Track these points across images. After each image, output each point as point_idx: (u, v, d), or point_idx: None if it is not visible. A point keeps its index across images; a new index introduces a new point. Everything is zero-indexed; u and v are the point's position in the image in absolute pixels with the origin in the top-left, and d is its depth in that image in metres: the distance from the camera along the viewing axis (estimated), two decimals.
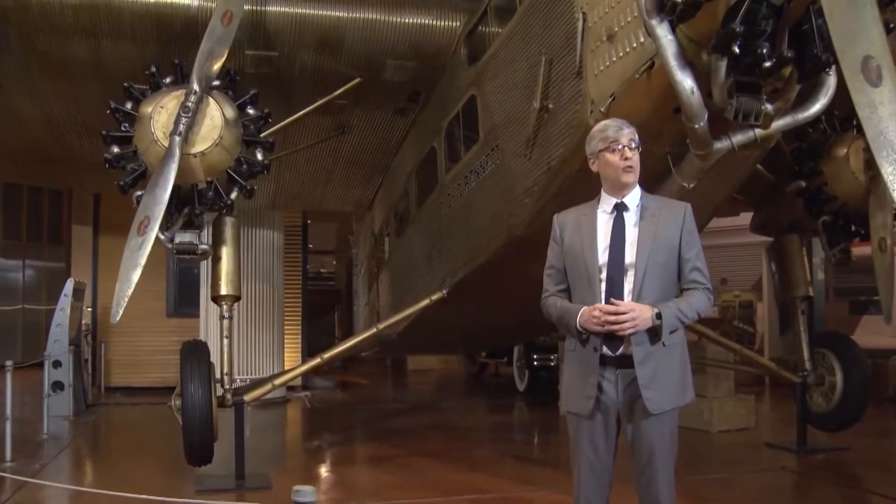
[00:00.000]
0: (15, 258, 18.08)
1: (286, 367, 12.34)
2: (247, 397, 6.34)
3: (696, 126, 4.21)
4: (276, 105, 6.93)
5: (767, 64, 3.81)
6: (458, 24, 6.98)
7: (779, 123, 4.41)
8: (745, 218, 9.08)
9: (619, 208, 3.31)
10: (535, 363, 12.21)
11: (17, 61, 6.89)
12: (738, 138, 4.46)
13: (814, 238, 8.32)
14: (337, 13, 6.75)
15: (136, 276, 5.29)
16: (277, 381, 6.58)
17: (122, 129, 5.85)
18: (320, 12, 6.72)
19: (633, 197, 3.33)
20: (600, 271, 3.23)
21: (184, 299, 13.48)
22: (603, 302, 3.17)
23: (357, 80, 7.18)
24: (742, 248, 16.38)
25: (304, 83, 7.22)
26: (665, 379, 3.21)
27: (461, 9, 7.04)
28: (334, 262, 22.10)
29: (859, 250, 7.79)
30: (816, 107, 4.41)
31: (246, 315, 11.71)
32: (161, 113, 5.66)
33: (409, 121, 8.23)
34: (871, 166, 6.92)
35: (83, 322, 12.58)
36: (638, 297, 3.18)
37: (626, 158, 3.26)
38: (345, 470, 7.38)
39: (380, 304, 10.28)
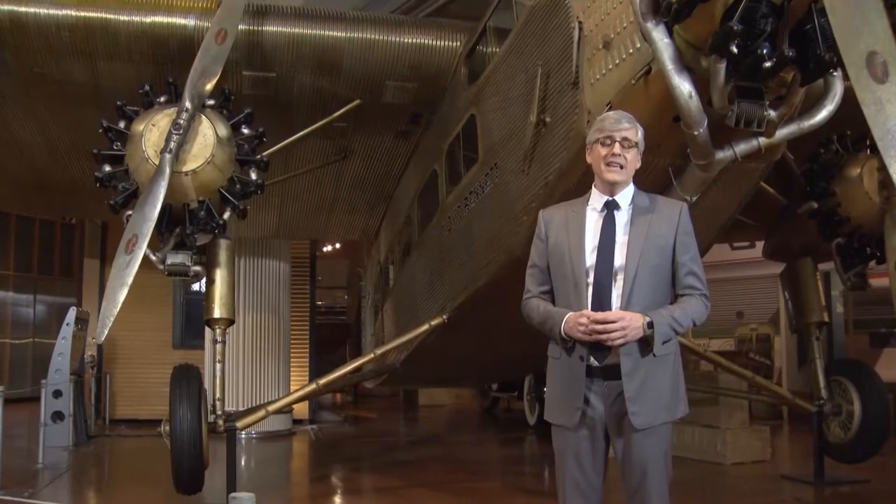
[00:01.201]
0: (26, 292, 18.06)
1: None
2: (239, 424, 6.15)
3: (696, 133, 4.02)
4: (275, 127, 6.88)
5: (767, 64, 3.62)
6: (458, 44, 6.88)
7: (783, 132, 4.22)
8: (761, 250, 8.83)
9: (610, 206, 3.10)
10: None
11: (15, 84, 6.86)
12: (742, 147, 4.27)
13: (831, 270, 8.11)
14: (335, 33, 6.68)
15: (122, 295, 5.14)
16: (271, 408, 6.37)
17: (115, 147, 5.77)
18: (318, 32, 6.65)
19: (626, 195, 3.13)
20: (587, 274, 3.02)
21: (190, 331, 13.36)
22: (589, 307, 2.96)
23: (356, 102, 7.09)
24: (759, 281, 16.10)
25: (303, 105, 7.13)
26: (654, 392, 2.98)
27: (461, 29, 6.96)
28: (346, 297, 22.03)
29: (878, 281, 7.56)
30: (823, 113, 4.23)
31: (251, 346, 11.56)
32: (152, 131, 5.57)
33: (412, 145, 8.12)
34: (885, 186, 6.72)
35: (89, 353, 12.50)
36: (627, 302, 2.96)
37: (614, 154, 3.06)
38: (344, 499, 7.16)
39: (384, 333, 10.08)
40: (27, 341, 17.75)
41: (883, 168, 5.20)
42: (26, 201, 9.82)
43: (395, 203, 9.35)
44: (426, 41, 6.87)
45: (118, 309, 5.13)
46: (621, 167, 3.08)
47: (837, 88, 4.19)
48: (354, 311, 19.54)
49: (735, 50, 3.58)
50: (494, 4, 6.27)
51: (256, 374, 11.65)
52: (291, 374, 12.47)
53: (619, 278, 3.01)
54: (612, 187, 3.11)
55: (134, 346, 12.95)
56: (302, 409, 12.90)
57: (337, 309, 22.55)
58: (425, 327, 6.91)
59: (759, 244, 9.31)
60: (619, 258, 3.03)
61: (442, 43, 6.89)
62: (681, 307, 3.04)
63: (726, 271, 17.78)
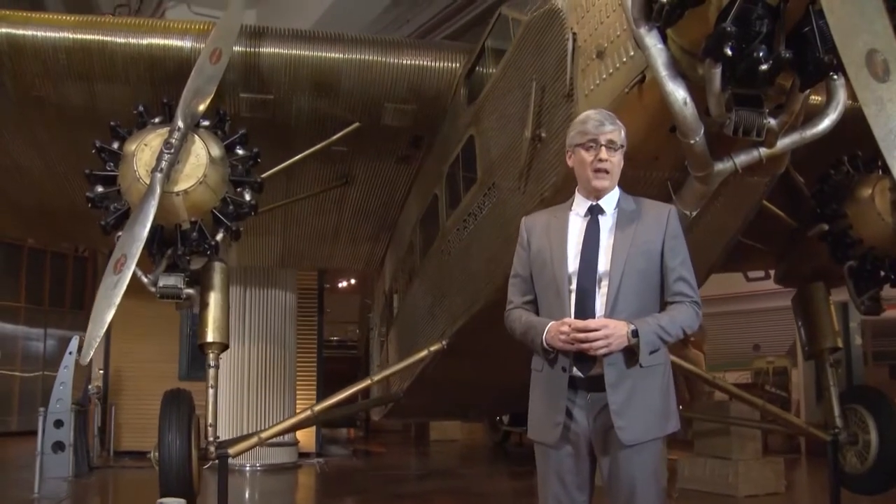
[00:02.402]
0: (37, 325, 18.05)
1: (298, 436, 11.98)
2: (232, 450, 5.99)
3: (692, 142, 3.88)
4: (274, 150, 6.80)
5: (764, 67, 3.48)
6: (457, 65, 6.79)
7: (785, 141, 4.07)
8: (773, 277, 8.59)
9: (594, 211, 2.95)
10: None
11: (13, 108, 6.82)
12: (742, 159, 4.12)
13: (849, 301, 7.88)
14: (332, 55, 6.61)
15: (109, 315, 5.04)
16: (264, 435, 6.22)
17: (107, 168, 5.71)
18: (315, 54, 6.59)
19: (611, 199, 2.98)
20: (570, 281, 2.85)
21: (197, 363, 13.16)
22: (572, 315, 2.79)
23: (356, 125, 7.00)
24: (775, 313, 15.74)
25: (301, 128, 7.06)
26: (642, 405, 2.79)
27: (461, 50, 6.89)
28: (357, 331, 21.94)
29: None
30: (826, 122, 4.08)
31: (256, 377, 11.39)
32: (144, 150, 5.51)
33: (413, 170, 8.01)
34: None
35: (95, 384, 12.41)
36: (612, 310, 2.79)
37: (601, 160, 2.91)
38: None
39: (389, 364, 9.90)
40: (37, 374, 17.69)
41: (887, 171, 5.01)
42: (30, 228, 9.83)
43: (398, 231, 9.24)
44: (425, 62, 6.79)
45: (104, 330, 5.03)
46: (608, 172, 2.93)
47: (840, 96, 4.05)
48: (364, 345, 19.45)
49: (729, 52, 3.45)
50: (492, 23, 6.19)
51: (261, 407, 11.46)
52: (298, 407, 12.29)
53: (604, 284, 2.85)
54: (597, 192, 2.96)
55: (140, 378, 12.82)
56: (308, 442, 12.71)
57: (349, 343, 22.46)
58: (424, 353, 6.74)
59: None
60: (604, 263, 2.87)
61: (441, 64, 6.80)
62: (669, 315, 2.87)
63: (742, 303, 17.49)
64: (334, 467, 12.07)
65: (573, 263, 2.89)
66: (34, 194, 8.16)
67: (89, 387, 12.01)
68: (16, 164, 7.63)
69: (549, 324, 2.82)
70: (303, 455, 12.25)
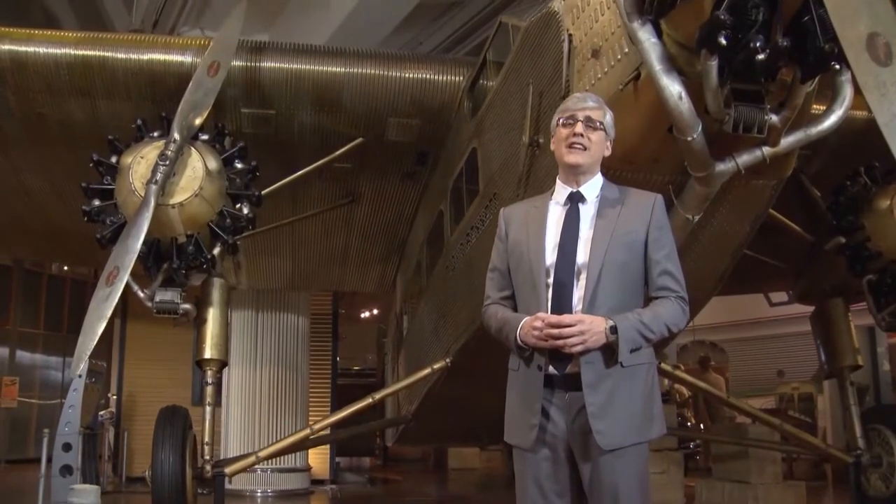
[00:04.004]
0: (55, 352, 18.09)
1: (310, 462, 11.82)
2: (228, 470, 5.84)
3: (690, 139, 3.71)
4: (278, 167, 6.76)
5: (761, 57, 3.33)
6: (461, 78, 6.71)
7: (789, 139, 3.90)
8: (800, 306, 8.29)
9: (574, 198, 2.78)
10: None
11: (18, 126, 6.85)
12: (744, 159, 3.95)
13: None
14: (333, 69, 6.56)
15: (100, 328, 4.96)
16: (262, 454, 6.06)
17: (105, 182, 5.68)
18: (316, 68, 6.54)
19: (592, 185, 2.81)
20: (547, 274, 2.68)
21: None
22: (549, 311, 2.61)
23: (359, 140, 6.92)
24: (800, 338, 15.38)
25: (305, 144, 6.99)
26: (623, 408, 2.59)
27: (464, 63, 6.82)
28: (372, 357, 21.83)
29: None
30: (832, 119, 3.90)
31: (267, 402, 11.24)
32: (140, 163, 5.47)
33: (420, 188, 7.91)
34: None
35: (108, 410, 12.34)
36: (590, 305, 2.61)
37: (576, 134, 2.76)
38: None
39: None
40: (55, 402, 17.68)
41: None
42: (39, 249, 9.82)
43: (407, 252, 9.13)
44: (428, 76, 6.71)
45: (94, 343, 4.94)
46: (584, 148, 2.77)
47: (847, 92, 3.87)
48: (381, 370, 19.31)
49: (724, 42, 3.30)
50: (493, 33, 6.11)
51: (271, 432, 11.28)
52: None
53: (582, 277, 2.67)
54: (576, 177, 2.80)
55: (153, 403, 12.56)
56: (322, 469, 12.54)
57: (367, 371, 22.34)
58: (427, 371, 6.57)
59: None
60: (583, 255, 2.69)
61: (444, 78, 6.72)
62: (652, 311, 2.67)
63: (765, 328, 17.16)
64: (348, 494, 11.88)
65: (551, 256, 2.72)
66: (42, 215, 8.16)
67: (102, 412, 11.95)
68: (23, 184, 7.65)
69: (524, 319, 2.66)
70: (316, 482, 12.07)
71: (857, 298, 7.14)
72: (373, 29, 10.36)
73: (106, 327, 13.83)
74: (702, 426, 12.20)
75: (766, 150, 3.93)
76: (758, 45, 3.32)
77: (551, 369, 2.64)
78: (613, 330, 2.57)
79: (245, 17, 6.16)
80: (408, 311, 9.22)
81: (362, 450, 17.24)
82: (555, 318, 2.56)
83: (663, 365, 6.80)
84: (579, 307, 2.63)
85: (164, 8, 11.38)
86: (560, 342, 2.53)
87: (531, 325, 2.60)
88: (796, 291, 7.92)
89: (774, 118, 3.72)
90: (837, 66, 3.57)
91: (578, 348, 2.54)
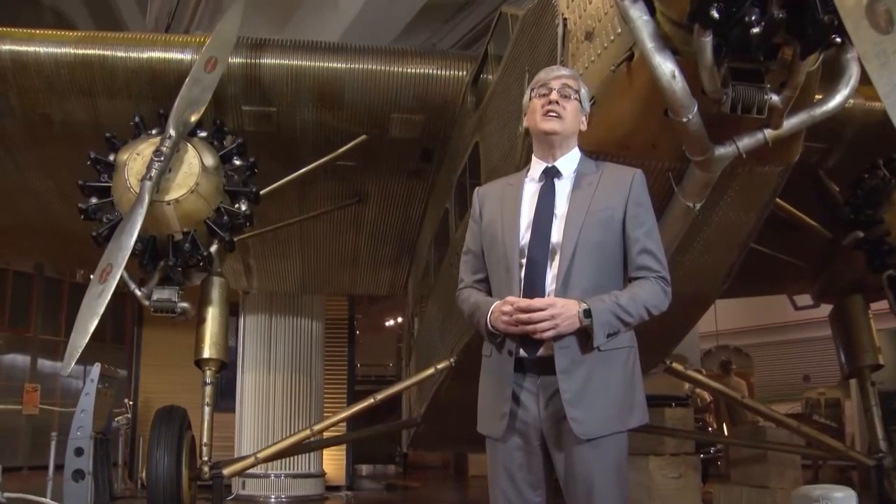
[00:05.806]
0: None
1: (325, 468, 11.72)
2: (226, 471, 5.74)
3: (685, 120, 3.54)
4: (281, 165, 6.68)
5: (756, 30, 3.17)
6: (464, 73, 6.58)
7: (793, 121, 3.72)
8: (827, 309, 8.03)
9: (550, 173, 2.63)
10: None
11: (22, 127, 6.84)
12: (746, 142, 3.77)
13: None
14: (334, 65, 6.45)
15: (93, 325, 4.92)
16: (261, 455, 5.97)
17: (102, 179, 5.63)
18: (317, 64, 6.44)
19: (569, 160, 2.66)
20: (521, 254, 2.53)
21: (225, 394, 13.03)
22: (521, 293, 2.46)
23: (363, 137, 6.82)
24: (826, 342, 14.99)
25: (307, 141, 6.90)
26: (600, 395, 2.44)
27: (467, 57, 6.69)
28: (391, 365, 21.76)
29: None
30: (838, 99, 3.71)
31: (280, 407, 11.17)
32: (136, 160, 5.42)
33: (427, 186, 7.80)
34: None
35: (124, 415, 12.33)
36: (564, 286, 2.46)
37: (551, 101, 2.62)
38: None
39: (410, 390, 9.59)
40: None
41: None
42: (47, 252, 9.82)
43: (417, 254, 9.03)
44: (431, 71, 6.58)
45: (87, 340, 4.88)
46: (559, 116, 2.62)
47: (853, 70, 3.68)
48: (400, 377, 19.22)
49: (716, 15, 3.15)
50: (494, 24, 5.98)
51: (285, 437, 11.18)
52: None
53: (556, 257, 2.52)
54: (552, 150, 2.65)
55: None
56: (338, 476, 12.45)
57: (388, 378, 22.28)
58: (431, 371, 6.43)
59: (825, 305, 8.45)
60: (557, 234, 2.55)
61: (447, 72, 6.59)
62: (630, 292, 2.52)
63: (791, 333, 16.83)
64: (364, 501, 11.75)
65: (526, 235, 2.59)
66: (48, 217, 8.14)
67: (118, 418, 11.95)
68: (28, 185, 7.63)
69: (494, 303, 2.52)
70: (332, 488, 11.96)
71: (877, 295, 6.90)
72: (382, 29, 10.28)
73: (125, 335, 13.76)
74: (725, 430, 11.93)
75: (769, 132, 3.75)
76: (753, 18, 3.16)
77: (522, 352, 2.50)
78: (587, 314, 2.42)
79: (255, 23, 6.10)
80: (418, 313, 9.11)
81: (383, 457, 17.13)
82: (524, 303, 2.42)
83: (676, 366, 6.61)
84: (552, 288, 2.49)
85: (176, 11, 11.40)
86: (530, 328, 2.39)
87: (500, 309, 2.46)
88: (816, 290, 7.68)
89: (775, 98, 3.54)
90: (839, 40, 3.40)
91: (549, 334, 2.40)
